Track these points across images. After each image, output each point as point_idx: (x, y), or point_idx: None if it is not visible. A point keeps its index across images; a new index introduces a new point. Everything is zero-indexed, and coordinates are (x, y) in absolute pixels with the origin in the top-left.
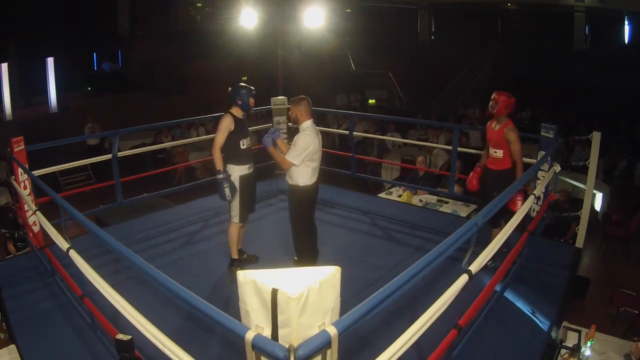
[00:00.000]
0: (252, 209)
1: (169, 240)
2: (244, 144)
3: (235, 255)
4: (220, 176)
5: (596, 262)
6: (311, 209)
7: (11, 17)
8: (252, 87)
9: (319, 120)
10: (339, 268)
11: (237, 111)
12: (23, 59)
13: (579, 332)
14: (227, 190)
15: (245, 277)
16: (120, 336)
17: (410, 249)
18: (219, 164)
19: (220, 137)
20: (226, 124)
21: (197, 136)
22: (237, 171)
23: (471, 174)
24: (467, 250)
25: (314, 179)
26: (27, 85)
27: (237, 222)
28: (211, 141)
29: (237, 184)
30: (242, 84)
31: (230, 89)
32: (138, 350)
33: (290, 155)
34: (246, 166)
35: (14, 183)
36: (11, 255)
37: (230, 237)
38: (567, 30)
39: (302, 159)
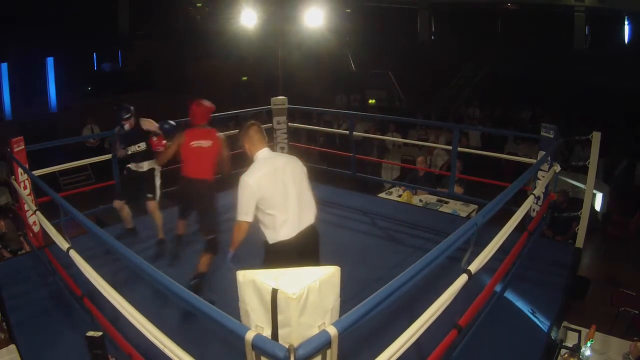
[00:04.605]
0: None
1: (168, 240)
2: (128, 150)
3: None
4: None
5: (596, 262)
6: None
7: (11, 17)
8: (128, 107)
9: (319, 120)
10: (339, 268)
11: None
12: (23, 59)
13: (579, 332)
14: None
15: (245, 276)
16: (90, 333)
17: (410, 249)
18: None
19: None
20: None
21: None
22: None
23: None
24: (467, 250)
25: (288, 232)
26: (27, 85)
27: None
28: None
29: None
30: (121, 103)
31: (115, 107)
32: (138, 350)
33: (237, 211)
34: (133, 164)
35: (14, 183)
36: None
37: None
38: (567, 30)
39: (249, 211)
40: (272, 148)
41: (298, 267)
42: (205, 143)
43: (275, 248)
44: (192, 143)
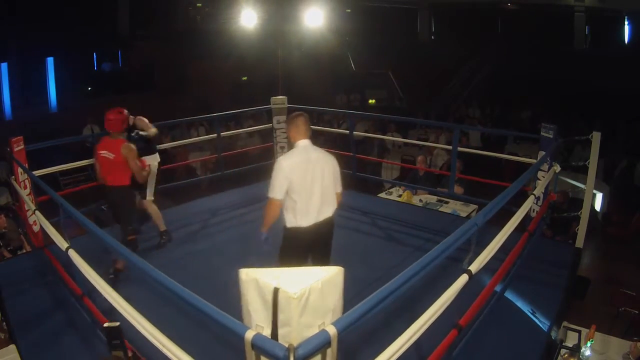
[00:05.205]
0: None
1: (168, 240)
2: None
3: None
4: None
5: (596, 262)
6: (300, 258)
7: (11, 17)
8: None
9: (319, 120)
10: (342, 268)
11: None
12: (23, 59)
13: (579, 332)
14: None
15: (248, 275)
16: (108, 324)
17: (410, 249)
18: None
19: None
20: None
21: (197, 136)
22: None
23: None
24: (468, 250)
25: (305, 221)
26: (27, 85)
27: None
28: (211, 141)
29: None
30: None
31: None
32: (138, 349)
33: (270, 190)
34: None
35: (14, 183)
36: None
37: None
38: (567, 30)
39: (281, 190)
40: (272, 147)
41: (304, 264)
42: (109, 154)
43: (291, 233)
44: (101, 152)
